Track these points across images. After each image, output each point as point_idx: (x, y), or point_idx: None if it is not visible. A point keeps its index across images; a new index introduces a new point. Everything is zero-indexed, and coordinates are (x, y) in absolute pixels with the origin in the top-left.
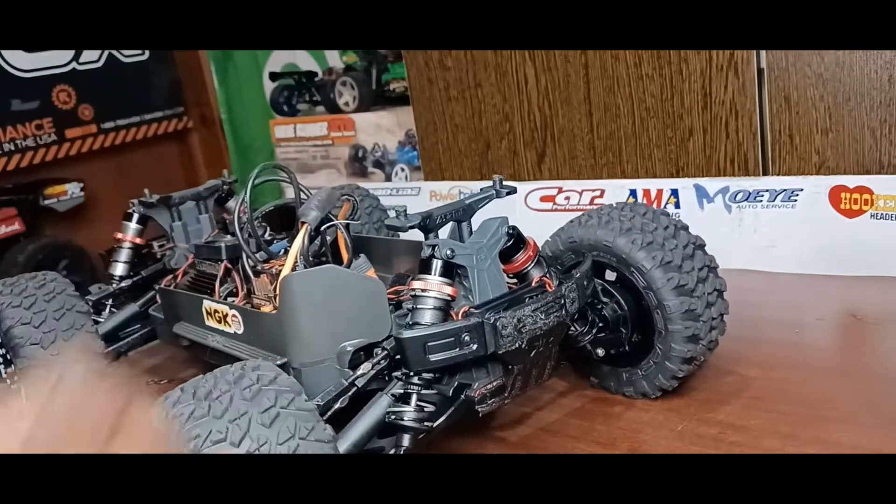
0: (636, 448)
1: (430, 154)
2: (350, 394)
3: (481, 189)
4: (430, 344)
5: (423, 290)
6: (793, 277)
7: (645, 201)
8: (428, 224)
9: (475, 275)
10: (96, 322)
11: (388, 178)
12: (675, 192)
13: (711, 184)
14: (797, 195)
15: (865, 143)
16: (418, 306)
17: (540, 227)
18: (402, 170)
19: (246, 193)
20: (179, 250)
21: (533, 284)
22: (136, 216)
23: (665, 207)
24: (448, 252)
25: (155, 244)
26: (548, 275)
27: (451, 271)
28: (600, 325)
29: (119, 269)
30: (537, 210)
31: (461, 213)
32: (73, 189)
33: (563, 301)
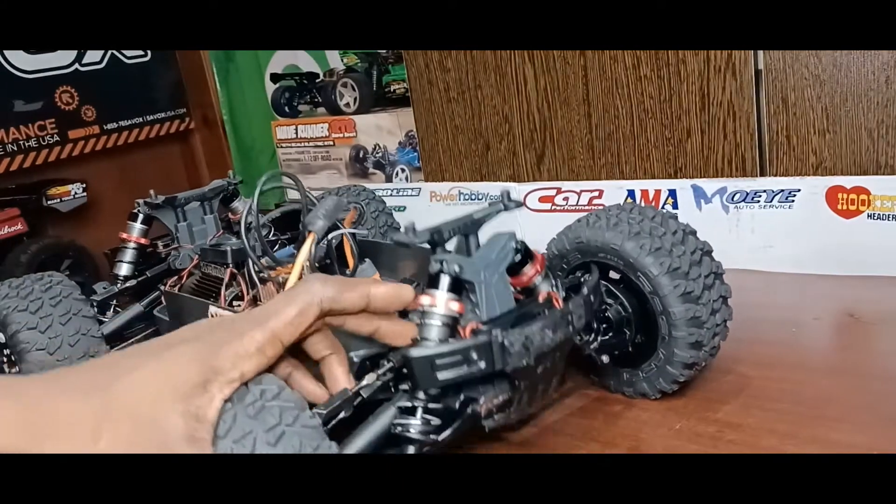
0: (635, 447)
1: (430, 155)
2: (355, 404)
3: (489, 203)
4: (438, 362)
5: (430, 306)
6: (790, 277)
7: (643, 202)
8: (436, 239)
9: (483, 290)
10: (100, 322)
11: (389, 179)
12: (672, 193)
13: (709, 184)
14: (794, 196)
15: (863, 144)
16: (425, 321)
17: (539, 228)
18: (403, 170)
19: (253, 200)
20: (184, 251)
21: (540, 300)
22: (140, 216)
23: (663, 208)
24: (456, 268)
25: (159, 243)
26: (555, 288)
27: (460, 287)
28: (605, 328)
29: (124, 269)
30: (536, 210)
31: (469, 227)
32: (75, 189)
33: (570, 318)
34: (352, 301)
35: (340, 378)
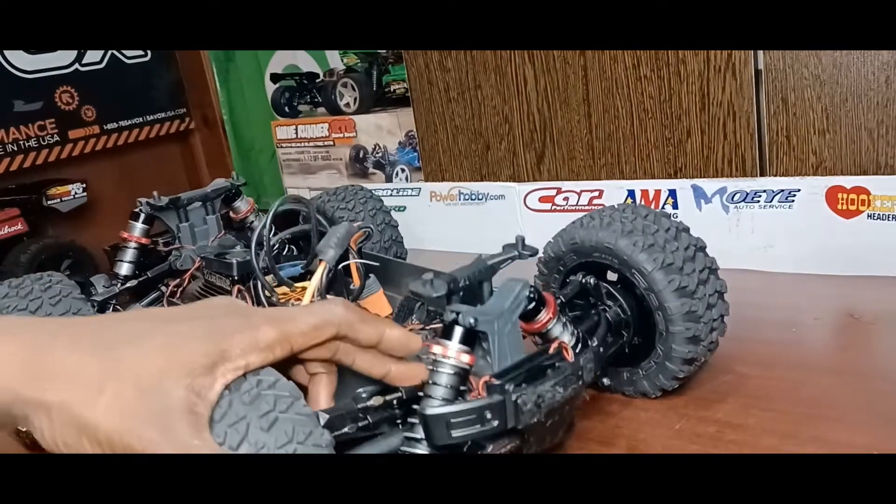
0: (634, 446)
1: (430, 155)
2: (360, 425)
3: (504, 248)
4: (453, 420)
5: (443, 357)
6: (790, 277)
7: (643, 202)
8: (452, 289)
9: (496, 340)
10: None
11: (389, 179)
12: (672, 193)
13: (709, 184)
14: (794, 196)
15: (863, 144)
16: (437, 369)
17: (539, 228)
18: (403, 170)
19: (266, 220)
20: (186, 251)
21: (551, 350)
22: (143, 216)
23: (663, 208)
24: (472, 321)
25: (160, 241)
26: (565, 328)
27: (473, 337)
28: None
29: (124, 268)
30: (536, 210)
31: (483, 273)
32: (75, 189)
33: (580, 373)
34: (367, 334)
35: (322, 399)
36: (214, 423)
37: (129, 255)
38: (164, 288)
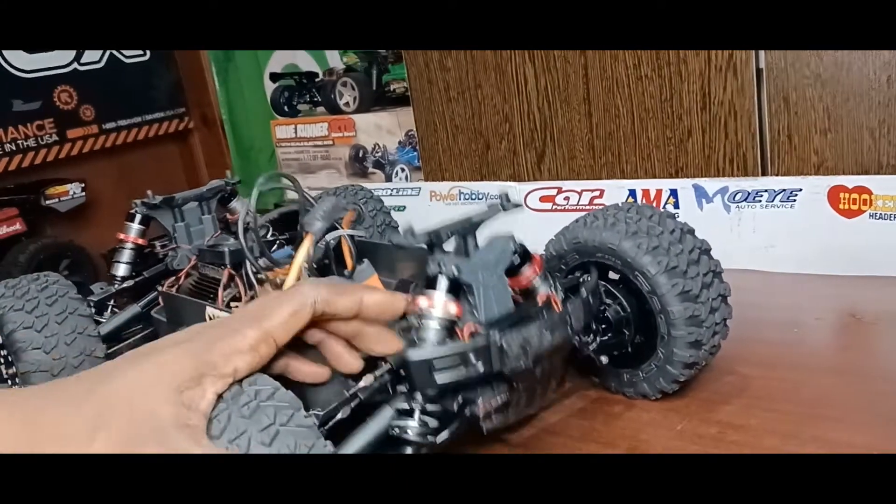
0: (636, 447)
1: (430, 154)
2: (352, 405)
3: (487, 205)
4: (436, 364)
5: (428, 308)
6: (792, 277)
7: (644, 201)
8: (434, 241)
9: (481, 292)
10: (98, 322)
11: (389, 179)
12: (674, 193)
13: (710, 184)
14: (796, 195)
15: (864, 144)
16: (423, 323)
17: (540, 227)
18: (403, 170)
19: (251, 200)
20: (182, 251)
21: (539, 302)
22: (138, 217)
23: (664, 208)
24: (454, 270)
25: (157, 243)
26: (553, 289)
27: (458, 289)
28: (604, 329)
29: (121, 269)
30: (537, 210)
31: (467, 228)
32: (74, 189)
33: (568, 319)
34: (344, 305)
35: (343, 354)
36: (214, 440)
37: (126, 255)
38: (160, 288)
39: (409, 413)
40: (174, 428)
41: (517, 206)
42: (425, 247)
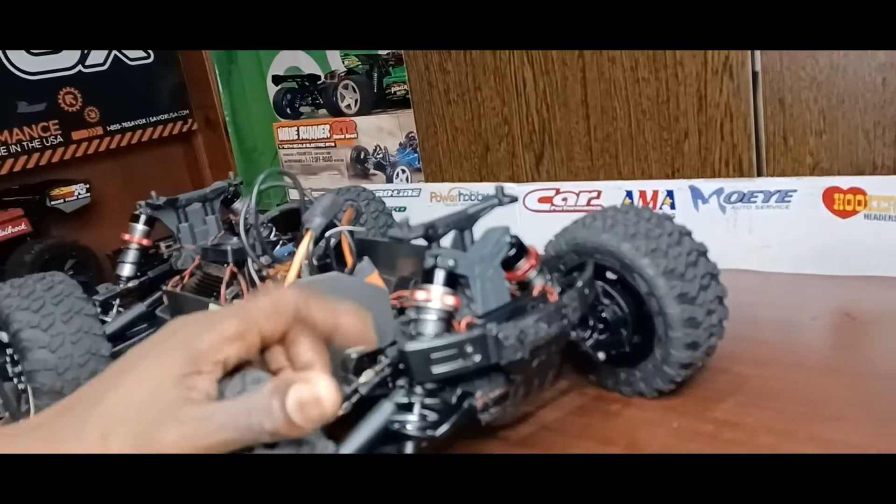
0: (633, 445)
1: (430, 156)
2: (353, 401)
3: (483, 198)
4: (433, 356)
5: (425, 301)
6: (787, 277)
7: (641, 202)
8: (430, 234)
9: (477, 284)
10: (103, 322)
11: (390, 180)
12: (670, 194)
13: (706, 185)
14: (791, 196)
15: (859, 145)
16: (421, 316)
17: (538, 228)
18: (403, 171)
19: (251, 198)
20: (186, 251)
21: (535, 294)
22: (142, 217)
23: (661, 208)
24: (451, 262)
25: (162, 245)
26: (550, 282)
27: (455, 281)
28: (601, 327)
29: (126, 269)
30: (535, 211)
31: (463, 222)
32: (79, 190)
33: (564, 311)
34: (320, 317)
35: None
36: None
37: (131, 256)
38: (165, 287)
39: (408, 408)
40: (179, 402)
41: (513, 199)
42: (422, 241)
